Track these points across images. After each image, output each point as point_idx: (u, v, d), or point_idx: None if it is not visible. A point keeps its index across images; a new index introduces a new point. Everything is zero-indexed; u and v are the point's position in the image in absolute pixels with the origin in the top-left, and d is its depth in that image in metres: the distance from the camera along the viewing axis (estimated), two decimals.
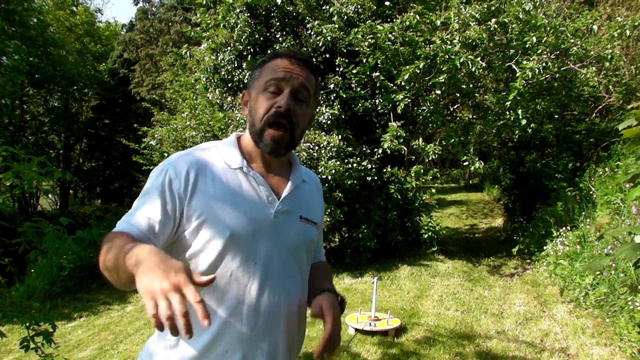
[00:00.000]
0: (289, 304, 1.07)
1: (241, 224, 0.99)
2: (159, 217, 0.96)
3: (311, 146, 5.92)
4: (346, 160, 5.99)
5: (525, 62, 5.66)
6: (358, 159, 6.10)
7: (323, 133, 6.02)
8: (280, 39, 6.54)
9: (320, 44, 6.20)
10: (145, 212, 0.97)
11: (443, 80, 5.74)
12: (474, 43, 5.86)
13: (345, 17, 6.40)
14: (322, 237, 1.29)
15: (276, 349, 1.04)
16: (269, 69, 1.04)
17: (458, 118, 7.26)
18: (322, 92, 6.37)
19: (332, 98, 6.36)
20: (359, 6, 6.43)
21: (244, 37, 6.45)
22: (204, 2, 6.96)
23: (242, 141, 1.12)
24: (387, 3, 6.36)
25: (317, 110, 6.18)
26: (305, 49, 6.41)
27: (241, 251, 1.00)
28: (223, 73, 6.80)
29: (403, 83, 5.85)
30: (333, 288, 1.15)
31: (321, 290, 1.11)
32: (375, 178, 6.25)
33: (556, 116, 6.91)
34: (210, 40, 6.97)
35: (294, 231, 1.08)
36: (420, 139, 7.03)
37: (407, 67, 5.74)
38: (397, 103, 5.84)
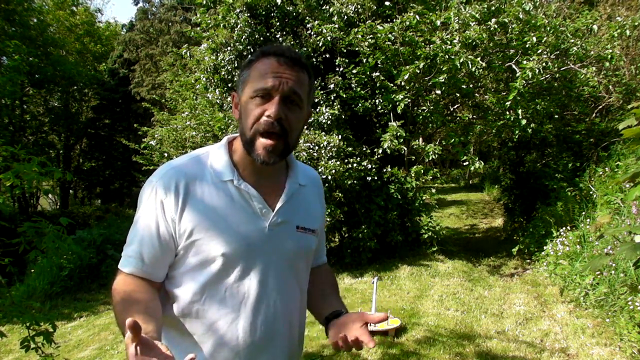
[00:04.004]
0: (287, 315, 1.05)
1: (234, 242, 0.97)
2: (157, 245, 0.97)
3: (311, 146, 5.92)
4: (346, 160, 5.99)
5: (525, 62, 5.65)
6: (358, 159, 6.10)
7: (323, 133, 6.02)
8: (280, 39, 6.54)
9: (320, 44, 6.20)
10: (145, 245, 0.98)
11: (443, 80, 5.73)
12: (474, 43, 5.86)
13: (345, 17, 6.39)
14: (324, 238, 1.26)
15: None
16: (257, 73, 0.97)
17: (458, 118, 7.25)
18: (322, 92, 6.37)
19: (332, 98, 6.35)
20: (359, 6, 6.43)
21: (244, 37, 6.45)
22: (204, 2, 6.96)
23: (233, 146, 1.06)
24: (387, 3, 6.36)
25: (317, 110, 6.18)
26: (305, 49, 6.41)
27: (235, 268, 0.98)
28: (223, 73, 6.79)
29: (403, 83, 5.85)
30: (343, 306, 1.11)
31: (334, 312, 1.06)
32: (375, 178, 6.25)
33: (556, 116, 6.90)
34: (210, 40, 6.97)
35: (290, 243, 1.05)
36: (420, 139, 7.03)
37: (407, 67, 5.74)
38: (397, 103, 5.84)
